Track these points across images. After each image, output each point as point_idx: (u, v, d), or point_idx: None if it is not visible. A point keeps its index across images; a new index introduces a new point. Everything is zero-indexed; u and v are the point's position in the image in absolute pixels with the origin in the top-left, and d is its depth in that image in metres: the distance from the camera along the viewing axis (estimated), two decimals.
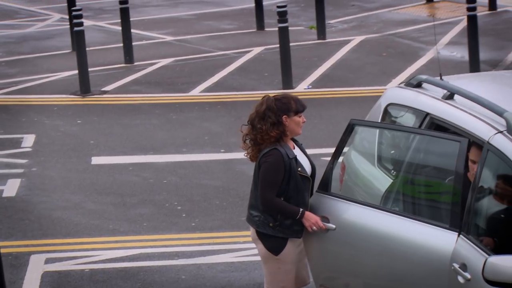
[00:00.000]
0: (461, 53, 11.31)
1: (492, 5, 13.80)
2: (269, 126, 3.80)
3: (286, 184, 3.83)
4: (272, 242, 3.91)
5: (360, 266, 4.63)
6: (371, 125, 5.16)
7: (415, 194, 4.65)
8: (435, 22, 12.10)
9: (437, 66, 7.92)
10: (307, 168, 3.94)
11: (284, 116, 3.79)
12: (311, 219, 3.77)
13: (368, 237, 4.40)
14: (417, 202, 4.61)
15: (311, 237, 4.93)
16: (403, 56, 12.10)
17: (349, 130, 4.78)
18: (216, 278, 6.25)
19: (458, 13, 13.48)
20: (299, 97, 7.65)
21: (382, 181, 4.81)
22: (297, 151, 3.97)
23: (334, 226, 4.51)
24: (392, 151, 5.07)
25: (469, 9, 10.27)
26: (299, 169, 3.85)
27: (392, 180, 4.69)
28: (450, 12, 14.04)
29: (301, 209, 3.81)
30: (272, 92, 12.85)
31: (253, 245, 5.92)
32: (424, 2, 14.80)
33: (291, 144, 3.98)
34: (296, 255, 3.99)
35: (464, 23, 11.88)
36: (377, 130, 5.14)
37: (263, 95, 7.79)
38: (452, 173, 4.30)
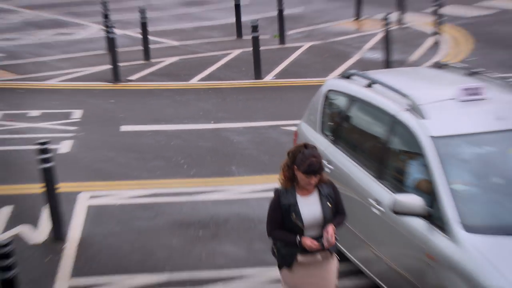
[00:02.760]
0: (379, 55, 13.44)
1: (400, 22, 16.43)
2: (285, 167, 4.04)
3: (282, 221, 4.02)
4: (277, 262, 4.24)
5: None
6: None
7: (353, 151, 6.10)
8: (361, 33, 15.90)
9: (363, 64, 10.81)
10: (309, 215, 4.00)
11: (295, 166, 3.95)
12: (307, 242, 3.91)
13: (327, 166, 5.83)
14: (355, 157, 5.97)
15: None
16: (338, 57, 14.29)
17: (323, 98, 6.55)
18: (208, 209, 8.21)
19: (377, 27, 15.87)
20: (268, 85, 10.05)
21: (323, 142, 6.37)
22: (309, 201, 4.06)
23: None
24: (330, 123, 6.65)
25: (385, 25, 12.67)
26: (293, 215, 3.96)
27: (330, 142, 6.28)
28: (371, 26, 16.64)
29: (298, 236, 3.95)
30: (247, 82, 12.37)
31: (234, 186, 8.40)
32: (353, 19, 17.40)
33: (306, 192, 4.08)
34: (294, 277, 4.14)
35: (381, 34, 14.00)
36: (321, 106, 6.65)
37: (242, 83, 10.31)
38: (374, 138, 5.83)
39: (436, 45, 14.69)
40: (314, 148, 4.01)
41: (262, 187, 9.04)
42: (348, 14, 18.08)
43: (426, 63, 13.02)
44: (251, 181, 9.49)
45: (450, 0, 17.28)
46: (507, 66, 12.39)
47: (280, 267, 4.18)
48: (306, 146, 3.99)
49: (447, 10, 16.31)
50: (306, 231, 3.96)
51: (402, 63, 12.98)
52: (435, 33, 14.92)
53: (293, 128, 8.75)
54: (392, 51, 12.62)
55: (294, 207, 3.93)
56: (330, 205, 4.02)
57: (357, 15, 17.46)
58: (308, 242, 3.85)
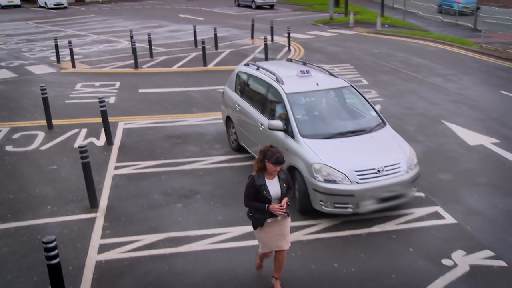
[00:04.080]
0: (262, 55, 19.26)
1: (272, 39, 22.63)
2: (258, 161, 5.32)
3: (255, 196, 5.28)
4: (252, 224, 5.57)
5: (243, 125, 9.38)
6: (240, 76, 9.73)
7: (250, 100, 9.30)
8: (254, 45, 21.24)
9: (255, 59, 17.66)
10: (273, 192, 5.31)
11: (266, 159, 5.21)
12: (274, 208, 5.26)
13: (237, 107, 9.54)
14: (251, 103, 9.23)
15: (233, 112, 9.62)
16: (243, 56, 19.88)
17: (235, 75, 10.15)
18: (181, 129, 11.60)
19: (261, 42, 21.84)
20: (210, 70, 16.33)
21: (235, 96, 9.95)
22: (272, 182, 5.34)
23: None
24: (239, 86, 9.95)
25: (264, 41, 18.76)
26: (264, 192, 5.22)
27: (239, 96, 9.77)
28: (259, 42, 23.01)
29: (266, 205, 5.28)
30: (199, 68, 17.65)
31: (194, 118, 12.38)
32: (250, 39, 24.10)
33: (271, 176, 5.34)
34: (265, 232, 5.49)
35: (263, 46, 19.80)
36: (234, 79, 10.13)
37: (197, 68, 16.20)
38: (260, 94, 9.15)
39: (288, 51, 20.96)
40: (276, 147, 5.30)
41: (207, 118, 12.46)
42: (248, 36, 24.75)
43: (284, 59, 16.24)
44: (202, 115, 12.73)
45: (293, 30, 22.93)
46: (321, 61, 18.00)
47: (254, 227, 5.50)
48: (272, 146, 5.26)
49: (293, 35, 22.48)
50: (272, 202, 5.24)
51: (273, 59, 18.81)
52: (288, 46, 21.31)
53: (221, 90, 11.54)
54: (268, 53, 18.96)
55: (265, 187, 5.19)
56: (285, 186, 5.34)
57: (252, 37, 24.03)
58: (276, 206, 5.18)
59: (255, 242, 6.96)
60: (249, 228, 7.19)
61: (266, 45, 18.68)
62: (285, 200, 5.27)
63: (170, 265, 6.57)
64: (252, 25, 24.31)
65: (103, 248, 6.99)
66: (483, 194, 8.43)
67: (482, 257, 6.64)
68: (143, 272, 6.44)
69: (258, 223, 5.41)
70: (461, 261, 6.55)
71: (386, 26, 27.92)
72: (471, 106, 13.28)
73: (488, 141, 10.75)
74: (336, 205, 7.17)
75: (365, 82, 15.84)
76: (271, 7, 41.59)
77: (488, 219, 7.73)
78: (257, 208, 5.31)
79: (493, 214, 7.76)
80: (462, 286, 6.15)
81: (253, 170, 5.38)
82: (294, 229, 7.29)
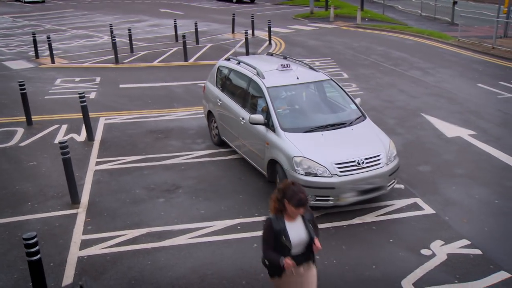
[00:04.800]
0: (243, 50, 19.13)
1: (253, 34, 22.68)
2: (275, 200, 4.31)
3: (274, 242, 4.31)
4: (268, 271, 4.62)
5: (225, 120, 9.39)
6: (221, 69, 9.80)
7: (231, 95, 9.34)
8: (235, 39, 21.38)
9: (235, 53, 17.86)
10: (296, 237, 4.29)
11: (286, 200, 4.21)
12: (287, 264, 4.20)
13: (218, 102, 9.60)
14: (232, 97, 9.27)
15: (214, 107, 9.66)
16: (224, 50, 20.00)
17: (216, 70, 10.13)
18: (163, 124, 11.52)
19: (242, 37, 22.06)
20: (191, 64, 16.27)
21: (216, 90, 9.94)
22: (295, 225, 4.32)
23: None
24: (220, 81, 9.99)
25: (245, 35, 18.78)
26: (283, 238, 4.23)
27: (220, 90, 9.75)
28: (239, 36, 23.09)
29: (281, 258, 4.22)
30: (180, 62, 17.60)
31: (175, 113, 12.35)
32: (231, 33, 24.04)
33: (292, 218, 4.34)
34: (283, 282, 4.50)
35: (243, 40, 19.83)
36: (215, 73, 10.13)
37: (178, 63, 16.02)
38: (241, 88, 9.13)
39: (269, 45, 21.16)
40: (299, 184, 4.33)
41: (189, 113, 12.38)
42: (229, 30, 24.83)
43: (265, 53, 16.53)
44: (183, 110, 12.66)
45: (273, 24, 23.09)
46: (302, 55, 18.46)
47: (271, 276, 4.54)
48: (293, 183, 4.25)
49: (273, 29, 22.69)
50: (293, 249, 4.26)
51: (254, 53, 19.04)
52: (269, 40, 21.41)
53: (203, 84, 11.44)
54: (249, 48, 19.04)
55: (284, 232, 4.23)
56: (312, 227, 4.36)
57: (233, 31, 24.06)
58: (289, 262, 4.14)
59: (237, 236, 7.06)
60: (232, 221, 7.41)
61: (247, 39, 18.81)
62: (317, 242, 4.34)
63: (153, 260, 6.57)
64: (233, 19, 24.35)
65: (85, 244, 6.97)
66: (461, 185, 8.59)
67: (459, 246, 6.78)
68: (126, 267, 6.44)
69: (275, 273, 4.54)
70: (439, 251, 6.68)
71: (366, 20, 28.15)
72: (449, 99, 13.47)
73: (465, 133, 10.94)
74: (317, 198, 7.20)
75: (345, 75, 16.00)
76: (252, 1, 41.51)
77: (465, 210, 7.91)
78: (272, 261, 4.39)
79: (469, 204, 7.93)
80: (440, 275, 6.28)
81: (270, 210, 4.45)
82: None
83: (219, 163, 9.53)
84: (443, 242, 6.90)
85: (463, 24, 22.30)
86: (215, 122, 10.09)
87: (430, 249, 6.74)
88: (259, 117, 7.88)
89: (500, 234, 7.07)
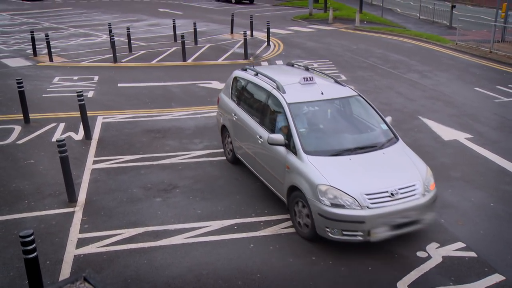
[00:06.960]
0: (241, 51, 19.23)
1: (251, 34, 22.47)
2: None
3: None
4: None
5: (240, 137, 8.42)
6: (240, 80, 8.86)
7: (248, 109, 8.40)
8: (233, 40, 20.98)
9: (235, 55, 17.50)
10: None
11: None
12: None
13: (233, 116, 8.66)
14: (249, 112, 8.32)
15: (229, 121, 8.75)
16: (222, 51, 20.02)
17: (232, 81, 9.12)
18: (160, 123, 11.39)
19: (240, 37, 22.11)
20: (190, 64, 15.88)
21: (232, 104, 9.08)
22: None
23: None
24: (236, 93, 9.11)
25: (244, 35, 18.35)
26: None
27: (236, 104, 8.83)
28: (238, 37, 23.10)
29: None
30: (179, 62, 17.28)
31: (173, 112, 12.45)
32: (230, 33, 24.11)
33: None
34: None
35: (242, 40, 19.59)
36: (231, 84, 9.21)
37: (177, 63, 15.48)
38: (259, 103, 8.10)
39: (268, 46, 21.02)
40: None
41: (186, 113, 12.22)
42: (227, 31, 24.81)
43: (264, 54, 18.93)
44: (181, 110, 12.56)
45: (272, 25, 23.11)
46: (300, 57, 18.47)
47: None
48: None
49: (272, 30, 22.64)
50: None
51: (252, 55, 18.87)
52: (267, 41, 21.38)
53: (203, 85, 13.53)
54: (247, 48, 18.86)
55: None
56: None
57: (231, 32, 24.05)
58: None
59: (234, 236, 7.06)
60: (228, 221, 7.39)
61: (245, 40, 18.59)
62: None
63: (149, 259, 6.56)
64: (232, 20, 24.24)
65: (81, 243, 6.94)
66: (457, 188, 8.58)
67: (454, 249, 6.77)
68: (122, 266, 6.42)
69: None
70: (435, 253, 6.66)
71: (365, 22, 28.18)
72: (446, 102, 13.48)
73: (462, 136, 10.93)
74: (344, 233, 6.38)
75: (343, 77, 15.95)
76: (251, 1, 41.46)
77: (461, 213, 7.90)
78: None
79: (465, 207, 7.92)
80: (436, 277, 6.29)
81: None
82: (272, 223, 7.37)
83: (216, 163, 9.50)
84: (438, 245, 6.88)
85: (461, 28, 22.39)
86: (229, 137, 9.37)
87: (426, 251, 6.73)
88: (279, 137, 7.08)
89: (495, 237, 7.07)
